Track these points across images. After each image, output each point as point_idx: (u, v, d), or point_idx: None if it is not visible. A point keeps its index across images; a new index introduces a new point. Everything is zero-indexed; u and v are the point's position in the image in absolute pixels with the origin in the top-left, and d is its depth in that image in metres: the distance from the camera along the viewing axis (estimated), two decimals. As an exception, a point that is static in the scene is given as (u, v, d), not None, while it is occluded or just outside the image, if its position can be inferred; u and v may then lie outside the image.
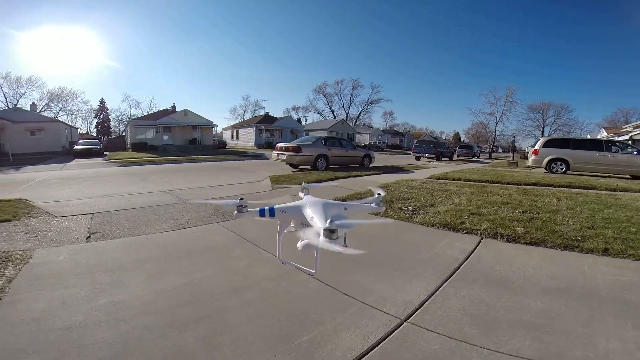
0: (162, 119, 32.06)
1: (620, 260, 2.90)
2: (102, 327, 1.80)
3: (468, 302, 2.17)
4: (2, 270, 2.48)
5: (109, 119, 57.16)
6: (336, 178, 8.33)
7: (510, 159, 20.51)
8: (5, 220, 4.07)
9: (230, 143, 42.50)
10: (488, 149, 39.93)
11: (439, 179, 8.54)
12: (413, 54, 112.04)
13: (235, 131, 44.65)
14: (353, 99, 68.12)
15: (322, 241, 0.91)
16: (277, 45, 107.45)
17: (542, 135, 48.47)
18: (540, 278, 2.55)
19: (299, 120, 60.51)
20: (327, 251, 0.90)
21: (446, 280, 2.50)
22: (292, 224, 1.21)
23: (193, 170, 12.14)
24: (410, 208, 4.62)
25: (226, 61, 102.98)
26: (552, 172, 11.39)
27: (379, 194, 1.34)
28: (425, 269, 2.70)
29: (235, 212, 1.17)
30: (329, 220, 0.94)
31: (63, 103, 49.17)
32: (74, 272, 2.55)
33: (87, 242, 3.39)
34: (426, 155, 21.79)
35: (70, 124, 41.03)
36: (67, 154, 25.28)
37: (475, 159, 30.28)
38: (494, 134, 40.72)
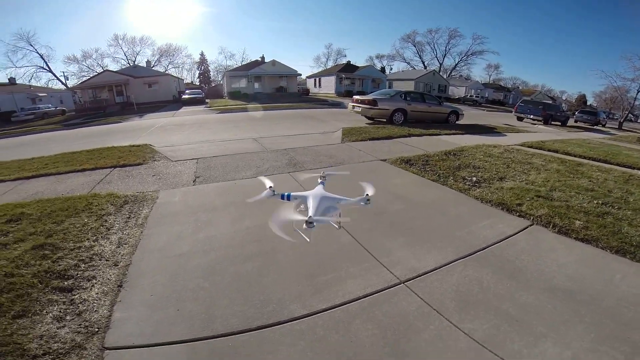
0: (253, 69, 34.18)
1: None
2: (198, 255, 2.59)
3: (465, 281, 2.29)
4: (142, 208, 3.49)
5: (209, 70, 63.46)
6: (409, 135, 8.07)
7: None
8: (138, 164, 5.42)
9: (313, 90, 43.10)
10: (620, 118, 31.01)
11: (531, 147, 7.47)
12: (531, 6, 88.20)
13: (317, 79, 44.74)
14: (449, 49, 59.04)
15: (304, 226, 1.33)
16: None
17: None
18: (556, 276, 2.40)
19: (382, 70, 56.46)
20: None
21: (461, 258, 2.60)
22: (302, 206, 1.56)
23: (277, 118, 13.24)
24: (474, 179, 4.39)
25: (310, 10, 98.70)
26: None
27: (367, 194, 1.57)
28: (450, 244, 2.80)
29: (269, 196, 1.63)
30: (309, 215, 1.35)
31: (170, 57, 56.12)
32: (185, 211, 3.45)
33: (194, 184, 4.36)
34: (531, 117, 18.24)
35: (177, 76, 47.12)
36: (176, 102, 29.67)
37: (598, 127, 24.27)
38: (632, 101, 31.08)
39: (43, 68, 44.36)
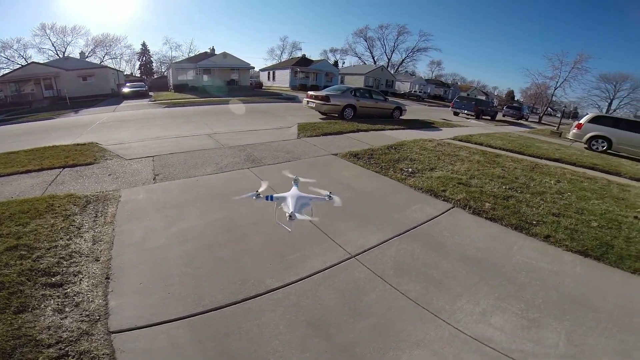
0: (202, 61, 32.74)
1: (552, 248, 3.17)
2: (175, 246, 2.87)
3: (401, 254, 2.94)
4: (107, 207, 3.58)
5: (151, 61, 59.04)
6: (358, 130, 8.81)
7: (556, 128, 18.58)
8: (89, 164, 5.29)
9: (267, 84, 42.63)
10: (541, 113, 36.04)
11: (460, 140, 8.66)
12: (472, 8, 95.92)
13: (271, 72, 44.28)
14: (397, 45, 62.29)
15: (287, 219, 1.79)
16: None
17: (609, 108, 42.65)
18: (468, 249, 3.10)
19: (335, 63, 57.64)
20: (327, 205, 1.96)
21: (397, 236, 3.26)
22: (282, 205, 1.99)
23: (230, 112, 13.10)
24: (410, 170, 5.18)
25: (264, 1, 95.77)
26: (592, 150, 10.70)
27: (329, 192, 2.06)
28: (389, 225, 3.45)
29: (254, 198, 2.00)
30: (291, 211, 1.82)
31: (107, 48, 51.14)
32: (152, 208, 3.63)
33: (155, 182, 4.47)
34: (465, 112, 20.69)
35: (116, 67, 43.05)
36: (116, 96, 27.34)
37: (522, 121, 27.91)
38: (550, 97, 36.25)
39: None
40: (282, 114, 12.57)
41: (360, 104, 11.83)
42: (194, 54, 42.09)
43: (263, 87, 38.37)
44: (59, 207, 3.39)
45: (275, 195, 2.02)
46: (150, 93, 27.94)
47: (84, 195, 3.83)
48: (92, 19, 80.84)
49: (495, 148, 8.12)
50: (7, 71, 31.11)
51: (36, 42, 48.98)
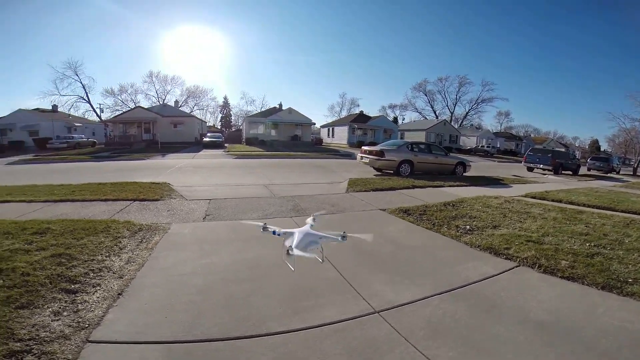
0: (271, 116, 36.31)
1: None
2: (197, 276, 2.84)
3: (438, 314, 2.41)
4: (153, 236, 3.84)
5: (231, 114, 67.87)
6: (413, 187, 8.37)
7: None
8: (156, 200, 5.89)
9: (326, 140, 44.99)
10: (635, 163, 30.40)
11: (534, 197, 7.61)
12: (534, 52, 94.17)
13: (331, 129, 46.83)
14: (460, 97, 62.18)
15: (286, 254, 1.64)
16: (374, 41, 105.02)
17: None
18: (533, 311, 2.49)
19: (395, 120, 59.02)
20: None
21: (439, 294, 2.73)
22: (289, 240, 1.82)
23: (289, 166, 13.92)
24: (467, 227, 4.56)
25: (326, 60, 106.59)
26: None
27: (344, 232, 1.87)
28: (430, 282, 2.95)
29: (261, 230, 1.94)
30: (290, 245, 1.67)
31: (197, 99, 59.88)
32: (192, 241, 3.76)
33: (203, 221, 4.71)
34: (541, 166, 18.17)
35: (201, 118, 49.61)
36: (197, 144, 31.34)
37: (611, 174, 23.99)
38: None
39: (83, 98, 46.23)
40: (336, 169, 12.86)
41: (419, 159, 11.41)
42: (265, 109, 46.62)
43: (322, 144, 40.45)
44: (113, 229, 3.74)
45: (283, 230, 1.89)
46: (226, 144, 31.34)
47: (140, 223, 4.19)
48: (187, 71, 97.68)
49: (578, 205, 6.89)
50: (118, 113, 37.15)
51: (144, 88, 58.71)
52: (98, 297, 2.38)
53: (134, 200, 5.79)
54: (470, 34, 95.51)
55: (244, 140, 36.48)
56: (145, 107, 38.56)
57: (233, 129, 56.29)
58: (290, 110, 36.68)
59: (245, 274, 2.94)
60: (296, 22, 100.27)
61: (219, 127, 60.24)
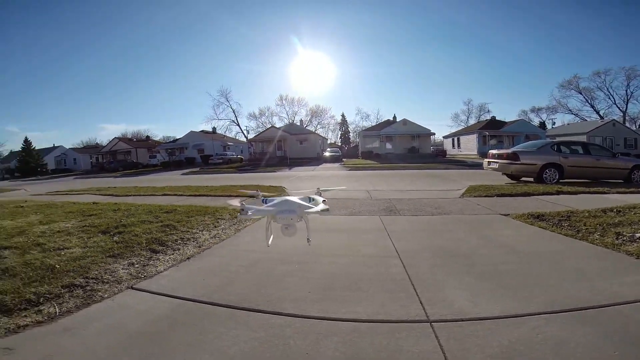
0: (385, 129, 35.85)
1: None
2: (256, 253, 2.93)
3: (532, 338, 1.57)
4: (248, 222, 4.11)
5: (349, 131, 70.72)
6: (558, 192, 6.36)
7: None
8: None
9: (451, 152, 40.69)
10: None
11: None
12: None
13: (455, 139, 42.03)
14: (632, 92, 46.22)
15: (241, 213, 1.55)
16: (501, 38, 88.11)
17: None
18: None
19: (542, 125, 48.45)
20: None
21: (550, 313, 1.82)
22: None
23: (399, 176, 13.28)
24: (637, 235, 3.00)
25: (444, 65, 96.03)
26: None
27: (323, 200, 1.74)
28: (543, 296, 2.06)
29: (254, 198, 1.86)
30: (245, 207, 1.59)
31: (319, 118, 65.10)
32: (273, 227, 3.89)
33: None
34: None
35: (322, 135, 53.64)
36: (318, 159, 34.05)
37: None
38: None
39: (233, 122, 53.86)
40: (456, 179, 11.31)
41: (570, 162, 8.70)
42: (379, 122, 46.38)
43: (447, 155, 36.82)
44: (218, 213, 4.38)
45: (269, 198, 1.81)
46: (343, 159, 32.90)
47: (241, 211, 4.70)
48: (310, 92, 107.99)
49: None
50: (254, 134, 43.83)
51: (277, 111, 67.00)
52: (169, 258, 2.80)
53: (251, 197, 6.64)
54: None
55: (359, 154, 37.28)
56: (277, 127, 44.47)
57: (352, 145, 58.53)
58: (404, 121, 35.30)
59: (298, 257, 2.88)
60: (410, 30, 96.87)
61: (339, 144, 63.76)
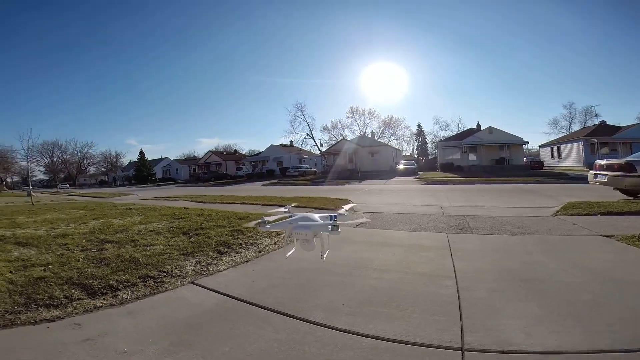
0: (467, 138, 32.28)
1: None
2: (305, 262, 2.98)
3: None
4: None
5: (426, 142, 66.49)
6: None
7: None
8: (330, 209, 6.74)
9: (550, 163, 34.90)
10: None
11: None
12: None
13: (555, 148, 35.74)
14: None
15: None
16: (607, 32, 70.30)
17: None
18: None
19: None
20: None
21: (629, 352, 1.45)
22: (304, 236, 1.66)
23: (482, 191, 11.82)
24: None
25: (536, 65, 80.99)
26: None
27: (334, 220, 1.65)
28: (626, 330, 1.66)
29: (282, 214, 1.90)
30: (265, 220, 1.71)
31: (392, 129, 62.39)
32: (331, 239, 3.99)
33: (355, 227, 4.91)
34: None
35: (396, 147, 51.63)
36: (392, 172, 32.74)
37: None
38: None
39: (308, 135, 55.23)
40: (552, 194, 9.61)
41: None
42: (460, 132, 42.59)
43: (544, 167, 31.69)
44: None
45: (294, 213, 1.85)
46: (419, 172, 30.96)
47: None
48: (382, 103, 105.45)
49: None
50: (327, 147, 44.60)
51: (349, 123, 67.88)
52: (231, 259, 3.15)
53: (317, 208, 7.06)
54: None
55: (438, 167, 34.80)
56: (348, 139, 44.72)
57: (430, 157, 55.18)
58: (490, 129, 31.36)
59: (342, 269, 2.95)
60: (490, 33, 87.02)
61: (415, 156, 60.64)
